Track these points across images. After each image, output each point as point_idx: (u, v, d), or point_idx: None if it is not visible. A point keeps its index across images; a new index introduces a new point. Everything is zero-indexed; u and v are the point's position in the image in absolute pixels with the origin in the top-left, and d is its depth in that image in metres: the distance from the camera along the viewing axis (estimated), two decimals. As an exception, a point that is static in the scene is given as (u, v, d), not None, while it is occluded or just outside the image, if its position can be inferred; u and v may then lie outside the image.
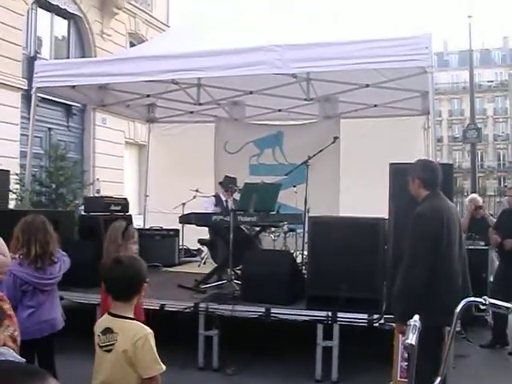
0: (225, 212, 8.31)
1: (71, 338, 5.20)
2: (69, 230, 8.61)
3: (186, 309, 6.57)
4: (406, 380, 2.64)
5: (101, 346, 3.12)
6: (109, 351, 3.07)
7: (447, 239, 4.31)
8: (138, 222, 11.37)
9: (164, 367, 3.02)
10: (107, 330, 3.10)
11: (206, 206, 9.45)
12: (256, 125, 11.98)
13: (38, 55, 15.68)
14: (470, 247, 7.81)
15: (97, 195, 14.84)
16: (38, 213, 5.05)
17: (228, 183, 9.04)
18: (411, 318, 2.31)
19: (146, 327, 3.14)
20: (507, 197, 7.89)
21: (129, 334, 3.05)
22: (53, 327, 4.60)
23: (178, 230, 10.27)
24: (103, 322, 3.20)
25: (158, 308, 6.56)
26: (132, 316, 3.18)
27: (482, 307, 2.49)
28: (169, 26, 20.94)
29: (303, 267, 7.99)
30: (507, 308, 2.50)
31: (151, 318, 4.42)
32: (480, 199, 8.64)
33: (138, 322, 3.18)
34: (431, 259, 4.24)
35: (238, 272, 7.59)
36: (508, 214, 7.74)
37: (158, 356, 3.04)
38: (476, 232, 8.50)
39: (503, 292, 6.69)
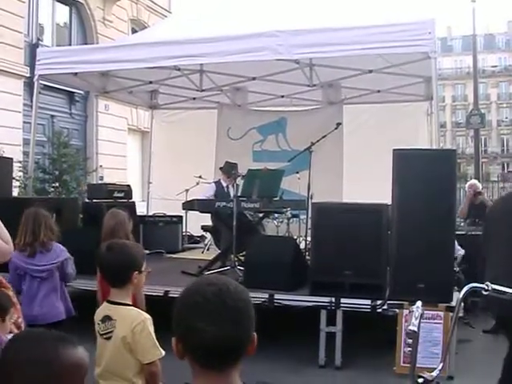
0: (226, 198, 8.30)
1: (75, 324, 5.22)
2: (72, 217, 8.63)
3: (189, 295, 6.57)
4: (408, 365, 2.65)
5: (101, 334, 3.14)
6: (109, 338, 3.09)
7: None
8: (141, 209, 11.39)
9: (163, 352, 3.02)
10: (106, 318, 3.13)
11: (203, 192, 9.44)
12: (259, 111, 11.95)
13: (40, 42, 15.63)
14: (473, 233, 7.81)
15: (100, 182, 14.86)
16: (41, 201, 5.11)
17: (230, 169, 8.98)
18: None
19: (143, 313, 3.16)
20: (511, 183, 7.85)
21: (127, 320, 3.06)
22: (45, 317, 4.59)
23: (181, 217, 10.28)
24: (102, 310, 3.22)
25: (161, 294, 6.58)
26: (129, 302, 3.19)
27: (485, 293, 2.49)
28: (171, 12, 20.84)
29: (306, 253, 8.00)
30: (510, 294, 2.50)
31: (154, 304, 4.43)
32: (479, 185, 8.64)
33: (135, 308, 3.19)
34: None
35: (242, 258, 7.61)
36: None
37: (156, 341, 3.05)
38: (474, 217, 8.49)
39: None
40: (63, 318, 4.82)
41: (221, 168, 9.64)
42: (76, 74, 8.78)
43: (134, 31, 18.95)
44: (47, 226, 4.79)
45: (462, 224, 9.01)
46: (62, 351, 1.55)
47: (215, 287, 1.53)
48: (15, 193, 9.99)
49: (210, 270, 7.64)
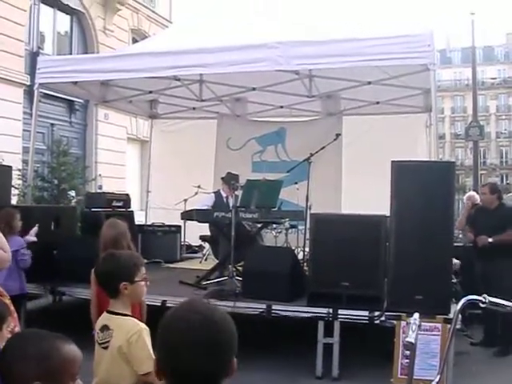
0: (225, 209, 8.29)
1: (74, 333, 5.22)
2: (71, 225, 8.63)
3: (187, 305, 6.55)
4: (406, 377, 2.65)
5: (99, 344, 3.14)
6: (106, 348, 3.09)
7: None
8: (139, 218, 11.39)
9: None
10: (104, 327, 3.12)
11: (202, 201, 9.41)
12: (258, 121, 11.97)
13: (41, 51, 15.69)
14: (471, 245, 7.78)
15: (99, 191, 14.85)
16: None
17: (231, 179, 8.97)
18: None
19: (140, 323, 3.14)
20: (481, 194, 7.75)
21: (123, 330, 3.05)
22: (7, 290, 5.07)
23: (179, 226, 10.27)
24: (102, 319, 3.22)
25: (159, 304, 6.57)
26: (127, 312, 3.18)
27: (482, 305, 2.49)
28: (171, 22, 20.93)
29: (304, 264, 7.99)
30: (506, 306, 2.50)
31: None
32: (478, 197, 8.61)
33: (133, 319, 3.17)
34: None
35: (240, 268, 7.60)
36: (481, 211, 7.68)
37: (152, 353, 3.03)
38: None
39: (483, 289, 6.57)
40: (18, 293, 5.94)
41: (222, 178, 9.61)
42: (76, 82, 8.80)
43: (134, 41, 19.04)
44: (7, 223, 6.09)
45: (460, 236, 8.99)
46: (60, 347, 1.75)
47: (200, 316, 1.57)
48: (14, 201, 9.98)
49: (207, 280, 7.64)
